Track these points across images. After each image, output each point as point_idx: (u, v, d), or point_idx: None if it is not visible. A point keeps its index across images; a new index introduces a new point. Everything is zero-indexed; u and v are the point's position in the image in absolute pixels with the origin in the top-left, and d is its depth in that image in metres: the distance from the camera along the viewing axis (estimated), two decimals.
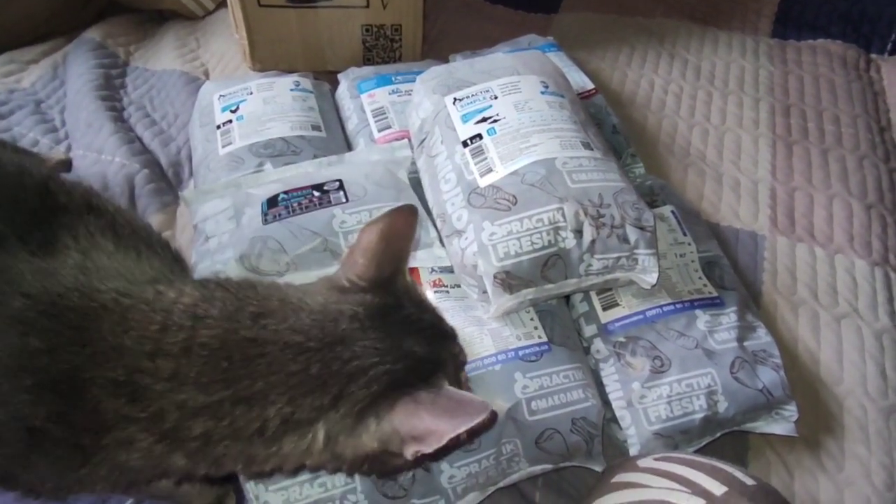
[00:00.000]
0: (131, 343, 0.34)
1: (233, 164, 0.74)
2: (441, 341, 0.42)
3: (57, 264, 0.37)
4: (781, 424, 0.60)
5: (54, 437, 0.34)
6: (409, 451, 0.37)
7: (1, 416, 0.34)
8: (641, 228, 0.58)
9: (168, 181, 0.82)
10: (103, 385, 0.34)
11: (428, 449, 0.37)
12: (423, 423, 0.36)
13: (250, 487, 0.51)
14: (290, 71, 0.90)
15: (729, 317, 0.62)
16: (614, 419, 0.60)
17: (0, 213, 0.38)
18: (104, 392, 0.34)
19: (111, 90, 0.94)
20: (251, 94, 0.82)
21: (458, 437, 0.35)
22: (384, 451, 0.38)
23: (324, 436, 0.37)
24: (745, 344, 0.61)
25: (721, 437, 0.60)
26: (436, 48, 1.02)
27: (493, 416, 0.42)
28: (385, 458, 0.39)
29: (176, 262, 0.47)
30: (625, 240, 0.58)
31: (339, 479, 0.51)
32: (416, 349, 0.39)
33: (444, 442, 0.36)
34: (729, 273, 0.67)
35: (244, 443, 0.36)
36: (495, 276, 0.56)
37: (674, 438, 0.57)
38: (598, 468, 0.57)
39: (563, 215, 0.57)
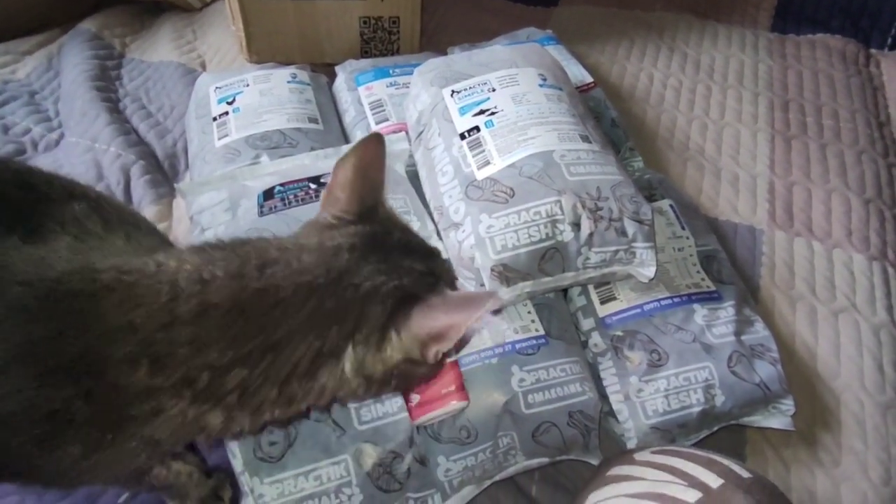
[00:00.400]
0: (142, 319, 0.34)
1: (229, 156, 0.73)
2: (433, 258, 0.44)
3: (48, 250, 0.36)
4: (778, 419, 0.60)
5: (80, 417, 0.34)
6: (431, 354, 0.40)
7: (15, 406, 0.33)
8: (639, 222, 0.58)
9: (164, 173, 0.82)
10: (119, 362, 0.34)
11: (448, 344, 0.40)
12: (439, 321, 0.39)
13: (245, 480, 0.51)
14: (287, 63, 0.90)
15: (727, 311, 0.62)
16: (611, 413, 0.60)
17: None
18: (121, 369, 0.34)
19: (107, 81, 0.94)
20: (248, 86, 0.81)
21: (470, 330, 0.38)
22: (408, 361, 0.40)
23: (353, 360, 0.39)
24: (743, 338, 0.60)
25: (718, 431, 0.60)
26: (434, 41, 1.02)
27: (501, 304, 0.45)
28: (409, 370, 0.41)
29: (164, 243, 0.47)
30: (623, 233, 0.58)
31: (334, 472, 0.51)
32: (415, 266, 0.41)
33: (462, 332, 0.39)
34: (727, 267, 0.67)
35: (281, 385, 0.38)
36: (492, 269, 0.56)
37: (671, 432, 0.57)
38: (595, 462, 0.57)
39: (561, 208, 0.57)
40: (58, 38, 1.02)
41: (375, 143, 0.44)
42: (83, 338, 0.34)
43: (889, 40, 1.07)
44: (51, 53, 1.00)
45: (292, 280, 0.38)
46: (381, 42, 0.95)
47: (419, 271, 0.41)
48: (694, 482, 0.41)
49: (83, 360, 0.34)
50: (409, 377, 0.42)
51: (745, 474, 0.42)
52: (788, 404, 0.59)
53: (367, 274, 0.39)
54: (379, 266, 0.40)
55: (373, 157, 0.44)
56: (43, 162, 0.82)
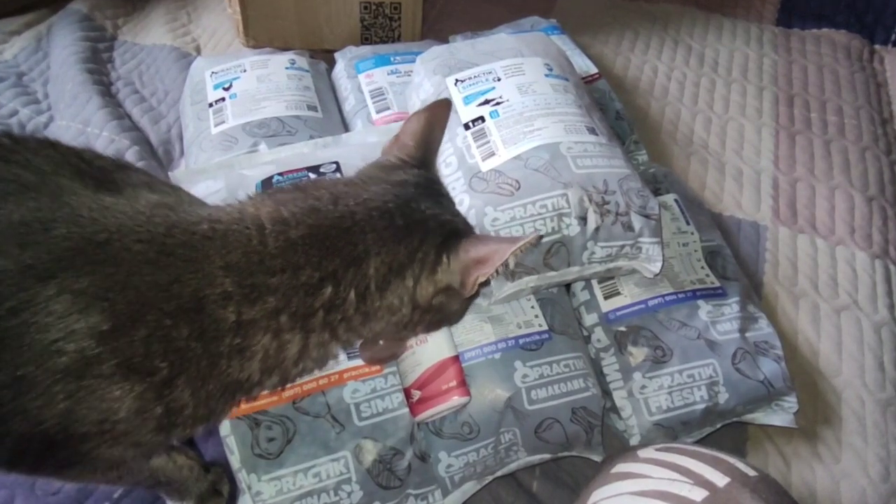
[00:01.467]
0: (238, 259, 0.39)
1: (226, 143, 0.71)
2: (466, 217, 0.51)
3: (142, 207, 0.40)
4: (781, 416, 0.59)
5: (195, 353, 0.38)
6: (471, 281, 0.46)
7: (155, 346, 0.37)
8: (647, 216, 0.57)
9: (158, 160, 0.80)
10: (218, 299, 0.38)
11: (490, 270, 0.45)
12: (487, 246, 0.45)
13: (243, 477, 0.50)
14: (286, 48, 0.87)
15: (731, 307, 0.61)
16: (614, 409, 0.59)
17: (72, 174, 0.41)
18: (218, 304, 0.38)
19: (98, 64, 0.91)
20: (245, 71, 0.79)
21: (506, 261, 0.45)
22: (449, 290, 0.46)
23: (412, 280, 0.44)
24: (747, 335, 0.60)
25: (720, 428, 0.60)
26: (435, 28, 1.00)
27: (540, 237, 0.52)
28: (447, 303, 0.47)
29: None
30: (629, 228, 0.57)
31: (334, 469, 0.50)
32: (460, 214, 0.49)
33: (505, 257, 0.44)
34: (731, 263, 0.66)
35: (359, 300, 0.43)
36: None
37: (674, 429, 0.57)
38: (598, 458, 0.57)
39: (568, 201, 0.56)
40: (47, 19, 0.99)
41: (446, 106, 0.52)
42: (193, 282, 0.38)
43: (893, 36, 1.07)
44: (40, 34, 0.97)
45: (365, 206, 0.44)
46: (381, 28, 0.93)
47: (463, 219, 0.49)
48: (700, 480, 0.41)
49: (193, 301, 0.38)
50: (444, 310, 0.48)
51: (752, 473, 0.42)
52: (791, 401, 0.59)
53: (427, 205, 0.46)
54: (436, 203, 0.47)
55: (442, 117, 0.51)
56: None
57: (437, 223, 0.45)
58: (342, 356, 0.55)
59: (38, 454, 0.38)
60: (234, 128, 0.73)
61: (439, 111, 0.51)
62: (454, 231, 0.46)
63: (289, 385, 0.47)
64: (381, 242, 0.43)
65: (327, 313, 0.42)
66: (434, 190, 0.48)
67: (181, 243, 0.39)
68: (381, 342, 0.53)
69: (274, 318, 0.40)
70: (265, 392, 0.45)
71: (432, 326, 0.50)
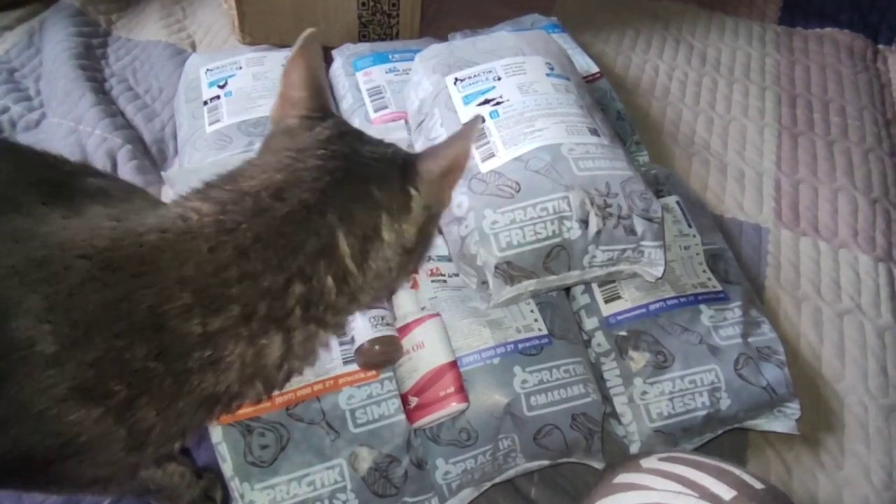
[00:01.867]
0: (192, 271, 0.37)
1: (220, 142, 0.70)
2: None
3: (90, 220, 0.38)
4: (783, 422, 0.59)
5: (156, 373, 0.36)
6: (447, 193, 0.44)
7: (108, 368, 0.35)
8: (649, 220, 0.56)
9: (152, 158, 0.78)
10: (179, 313, 0.36)
11: (461, 173, 0.44)
12: (445, 155, 0.43)
13: (235, 486, 0.49)
14: (282, 45, 0.86)
15: (733, 312, 0.61)
16: (614, 414, 0.58)
17: (24, 185, 0.39)
18: (181, 319, 0.36)
19: (91, 60, 0.89)
20: (240, 68, 0.78)
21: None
22: (429, 216, 0.44)
23: (391, 230, 0.42)
24: (750, 340, 0.59)
25: (721, 434, 0.59)
26: (434, 26, 0.99)
27: (481, 119, 0.48)
28: (431, 226, 0.45)
29: (159, 203, 0.47)
30: (632, 231, 0.56)
31: (329, 477, 0.49)
32: (392, 145, 0.45)
33: (469, 152, 0.43)
34: (734, 267, 0.65)
35: (339, 284, 0.40)
36: (496, 267, 0.54)
37: (675, 435, 0.56)
38: (598, 465, 0.56)
39: (569, 204, 0.55)
40: (39, 14, 0.98)
41: (312, 41, 0.45)
42: (147, 297, 0.35)
43: None
44: (32, 29, 0.95)
45: (311, 186, 0.40)
46: (379, 25, 0.92)
47: (397, 146, 0.45)
48: (705, 493, 0.40)
49: (150, 318, 0.35)
50: (429, 237, 0.46)
51: (758, 485, 0.41)
52: (794, 408, 0.58)
53: (364, 149, 0.42)
54: (367, 143, 0.43)
55: (317, 57, 0.45)
56: (23, 142, 0.78)
57: (385, 163, 0.42)
58: (337, 357, 0.54)
59: (9, 474, 0.37)
60: (230, 126, 0.71)
61: (312, 50, 0.45)
62: (405, 161, 0.43)
63: (277, 392, 0.44)
64: (344, 216, 0.40)
65: (305, 309, 0.39)
66: (355, 131, 0.45)
67: (129, 257, 0.36)
68: (377, 348, 0.52)
69: (244, 325, 0.37)
70: (246, 402, 0.42)
71: (421, 258, 0.47)
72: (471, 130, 0.42)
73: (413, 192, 0.42)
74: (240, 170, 0.42)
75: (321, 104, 0.45)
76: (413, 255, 0.44)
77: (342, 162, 0.41)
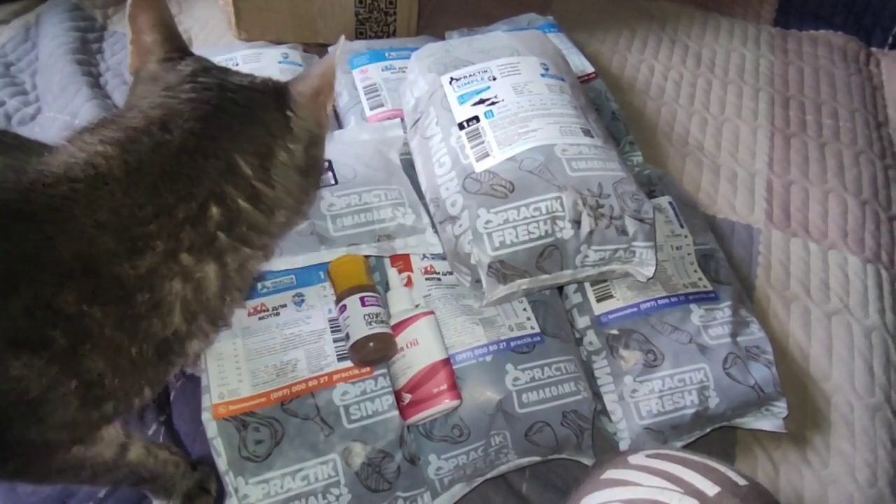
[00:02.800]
0: (108, 216, 0.37)
1: None
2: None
3: None
4: (770, 420, 0.60)
5: (94, 321, 0.35)
6: (322, 114, 0.46)
7: (41, 315, 0.34)
8: (640, 220, 0.57)
9: None
10: (108, 257, 0.36)
11: (331, 90, 0.46)
12: (314, 76, 0.44)
13: (229, 480, 0.49)
14: (278, 42, 0.86)
15: (723, 311, 0.61)
16: (604, 411, 0.59)
17: None
18: (112, 262, 0.36)
19: (87, 55, 0.89)
20: (237, 65, 0.78)
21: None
22: (312, 138, 0.45)
23: (284, 151, 0.43)
24: (739, 339, 0.60)
25: (710, 432, 0.60)
26: (431, 23, 0.99)
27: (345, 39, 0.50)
28: (318, 150, 0.47)
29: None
30: (623, 232, 0.56)
31: (322, 471, 0.50)
32: (258, 76, 0.46)
33: (335, 70, 0.45)
34: (724, 267, 0.66)
35: (253, 202, 0.42)
36: (490, 266, 0.55)
37: (664, 433, 0.57)
38: (588, 461, 0.57)
39: (562, 205, 0.55)
40: (35, 8, 0.97)
41: None
42: (68, 243, 0.35)
43: (890, 39, 1.07)
44: (28, 23, 0.95)
45: (192, 116, 0.40)
46: (376, 23, 0.92)
47: (263, 77, 0.46)
48: (690, 489, 0.41)
49: (78, 263, 0.35)
50: (319, 161, 0.48)
51: (742, 481, 0.42)
52: (781, 407, 0.59)
53: (236, 81, 0.43)
54: (234, 74, 0.44)
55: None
56: None
57: (257, 90, 0.43)
58: (332, 353, 0.55)
59: None
60: None
61: None
62: (276, 86, 0.44)
63: (224, 326, 0.44)
64: (234, 140, 0.41)
65: (228, 231, 0.40)
66: (219, 66, 0.45)
67: (40, 208, 0.36)
68: (371, 345, 0.52)
69: (173, 261, 0.38)
70: (198, 343, 0.42)
71: (317, 182, 0.50)
72: (336, 53, 0.44)
73: (290, 114, 0.44)
74: (118, 115, 0.41)
75: (176, 45, 0.45)
76: (309, 178, 0.47)
77: (215, 92, 0.42)
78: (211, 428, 0.51)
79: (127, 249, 0.36)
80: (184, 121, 0.40)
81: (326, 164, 0.50)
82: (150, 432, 0.57)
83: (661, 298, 0.61)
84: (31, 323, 0.34)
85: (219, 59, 0.77)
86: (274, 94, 0.44)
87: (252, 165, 0.41)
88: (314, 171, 0.47)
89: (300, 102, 0.44)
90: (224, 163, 0.40)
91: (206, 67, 0.44)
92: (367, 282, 0.57)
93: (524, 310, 0.60)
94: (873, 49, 1.07)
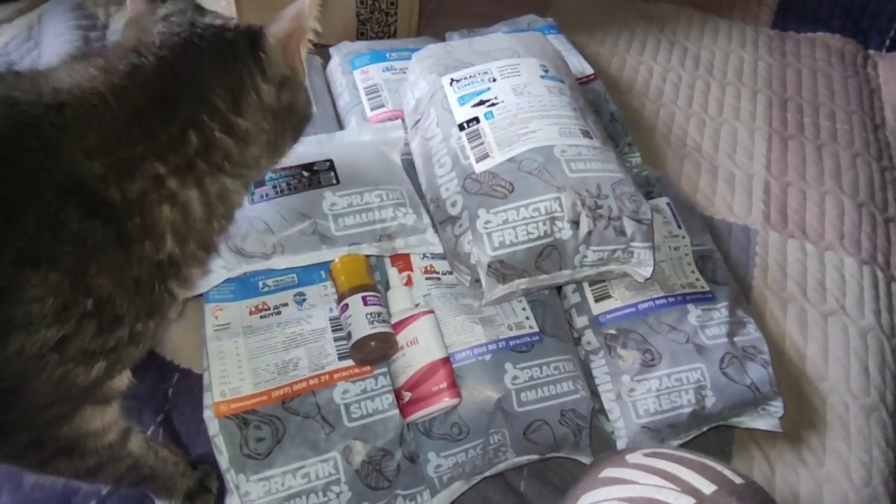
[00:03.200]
0: (97, 140, 0.38)
1: None
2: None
3: None
4: (766, 420, 0.60)
5: (98, 235, 0.37)
6: (296, 58, 0.46)
7: (48, 232, 0.35)
8: (638, 221, 0.57)
9: None
10: (98, 181, 0.37)
11: (304, 32, 0.45)
12: (286, 17, 0.44)
13: (231, 478, 0.50)
14: None
15: (720, 312, 0.62)
16: (602, 410, 0.60)
17: None
18: (102, 187, 0.37)
19: None
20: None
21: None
22: (285, 80, 0.46)
23: (254, 91, 0.44)
24: (735, 339, 0.61)
25: (706, 431, 0.60)
26: (432, 24, 0.99)
27: None
28: (293, 95, 0.47)
29: None
30: (621, 232, 0.57)
31: (323, 469, 0.51)
32: (232, 18, 0.47)
33: (307, 16, 0.44)
34: (721, 268, 0.67)
35: (226, 131, 0.42)
36: (489, 266, 0.55)
37: (661, 432, 0.57)
38: (586, 460, 0.57)
39: (561, 205, 0.56)
40: (38, 7, 0.98)
41: None
42: (60, 169, 0.36)
43: (887, 42, 1.07)
44: (31, 22, 0.95)
45: (164, 46, 0.41)
46: (377, 24, 0.92)
47: (237, 20, 0.46)
48: (687, 488, 0.41)
49: (71, 184, 0.36)
50: (297, 108, 0.48)
51: (738, 480, 0.42)
52: (777, 406, 0.60)
53: (210, 20, 0.44)
54: (212, 15, 0.45)
55: None
56: None
57: (230, 30, 0.44)
58: (332, 352, 0.55)
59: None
60: None
61: None
62: (248, 29, 0.45)
63: (216, 254, 0.46)
64: (207, 72, 0.42)
65: (206, 157, 0.42)
66: (199, 6, 0.46)
67: (33, 137, 0.36)
68: (372, 344, 0.52)
69: (161, 186, 0.40)
70: (194, 270, 0.44)
71: (297, 128, 0.50)
72: None
73: (263, 55, 0.44)
74: (97, 50, 0.43)
75: None
76: (283, 122, 0.47)
77: (185, 28, 0.42)
78: (213, 426, 0.52)
79: (116, 174, 0.38)
80: (156, 48, 0.41)
81: (307, 119, 0.51)
82: (149, 433, 0.58)
83: (658, 298, 0.62)
84: (41, 237, 0.35)
85: None
86: (247, 35, 0.44)
87: (224, 98, 0.42)
88: (289, 116, 0.48)
89: (273, 45, 0.44)
90: (197, 91, 0.42)
91: (182, 9, 0.45)
92: (369, 281, 0.58)
93: (523, 309, 0.60)
94: (871, 51, 1.07)
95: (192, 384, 0.59)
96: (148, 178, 0.39)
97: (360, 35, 0.93)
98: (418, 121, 0.67)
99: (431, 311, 0.57)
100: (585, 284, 0.63)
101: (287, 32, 0.45)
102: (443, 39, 0.90)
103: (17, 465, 0.43)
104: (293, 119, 0.48)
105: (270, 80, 0.45)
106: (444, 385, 0.53)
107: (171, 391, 0.61)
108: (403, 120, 0.72)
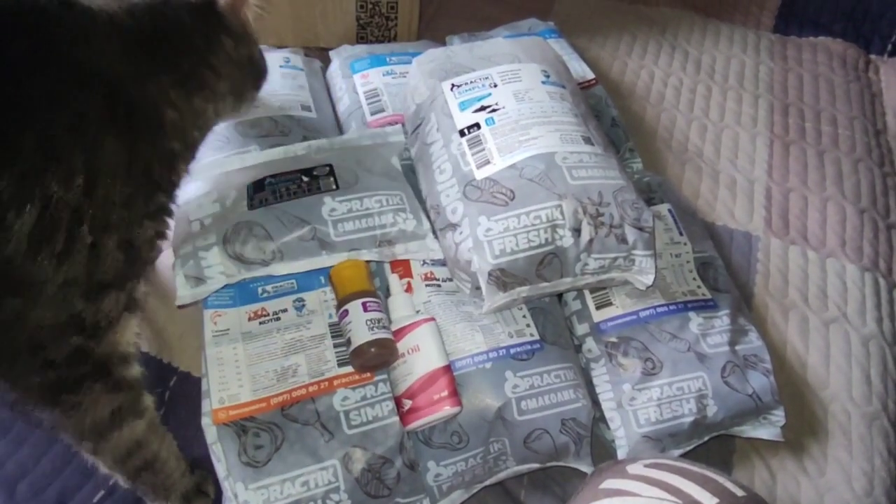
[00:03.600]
0: (118, 50, 0.46)
1: (217, 143, 0.70)
2: None
3: None
4: (768, 429, 0.60)
5: (119, 113, 0.43)
6: (245, 17, 0.56)
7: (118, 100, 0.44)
8: (640, 229, 0.57)
9: None
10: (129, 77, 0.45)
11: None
12: None
13: (229, 485, 0.49)
14: (280, 45, 0.86)
15: (722, 320, 0.62)
16: (602, 419, 0.60)
17: None
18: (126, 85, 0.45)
19: None
20: (255, 107, 0.77)
21: None
22: (244, 42, 0.56)
23: (219, 42, 0.54)
24: (737, 348, 0.60)
25: (708, 440, 0.60)
26: (432, 27, 0.99)
27: None
28: (247, 50, 0.57)
29: None
30: (623, 240, 0.57)
31: (322, 477, 0.50)
32: None
33: None
34: (723, 275, 0.66)
35: (206, 61, 0.53)
36: (490, 274, 0.55)
37: (662, 441, 0.57)
38: (586, 469, 0.57)
39: (562, 213, 0.56)
40: None
41: None
42: (81, 52, 0.43)
43: (889, 46, 1.07)
44: None
45: (158, 3, 0.50)
46: (377, 27, 0.92)
47: None
48: (688, 500, 0.41)
49: (86, 72, 0.43)
50: (255, 63, 0.59)
51: (739, 492, 0.42)
52: (779, 415, 0.60)
53: None
54: None
55: None
56: None
57: (197, 1, 0.52)
58: (332, 358, 0.55)
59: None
60: (227, 127, 0.71)
61: None
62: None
63: (193, 155, 0.55)
64: (188, 23, 0.51)
65: (192, 80, 0.51)
66: None
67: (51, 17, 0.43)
68: (373, 350, 0.52)
69: (167, 93, 0.48)
70: (182, 165, 0.52)
71: (256, 79, 0.61)
72: None
73: (221, 15, 0.53)
74: None
75: None
76: (244, 69, 0.57)
77: None
78: (211, 433, 0.52)
79: (133, 75, 0.45)
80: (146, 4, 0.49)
81: (264, 71, 0.62)
82: None
83: (659, 306, 0.61)
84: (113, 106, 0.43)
85: None
86: (206, 2, 0.53)
87: (202, 42, 0.52)
88: (248, 65, 0.58)
89: (225, 8, 0.54)
90: (183, 33, 0.51)
91: None
92: (369, 287, 0.57)
93: (524, 317, 0.60)
94: (872, 56, 1.07)
95: (191, 388, 0.59)
96: (164, 84, 0.48)
97: (361, 39, 0.93)
98: (418, 126, 0.67)
99: (433, 319, 0.57)
100: (586, 292, 0.63)
101: (231, 2, 0.54)
102: (443, 43, 0.89)
103: (43, 395, 0.44)
104: (252, 68, 0.59)
105: (229, 35, 0.54)
106: (445, 393, 0.53)
107: (167, 394, 0.61)
108: (403, 125, 0.72)
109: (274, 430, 0.51)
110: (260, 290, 0.59)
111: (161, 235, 0.51)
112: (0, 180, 0.37)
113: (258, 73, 0.61)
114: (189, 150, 0.54)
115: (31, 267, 0.39)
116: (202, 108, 0.53)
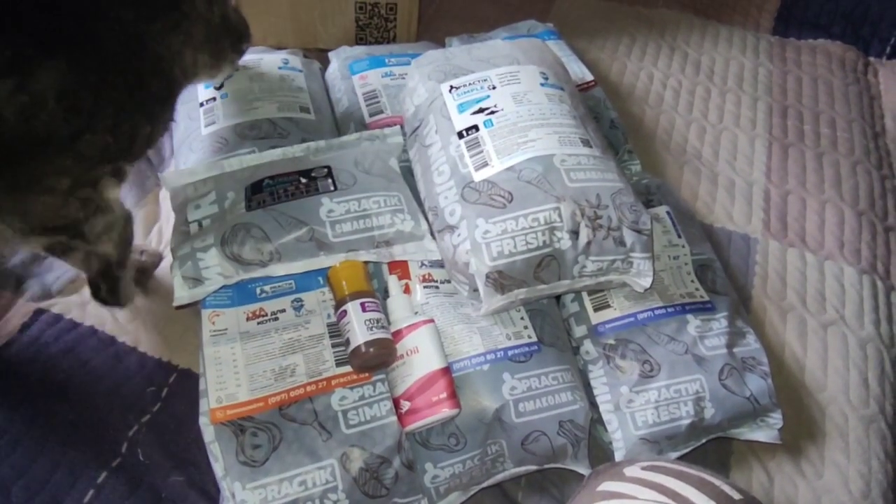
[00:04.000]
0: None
1: (216, 144, 0.70)
2: None
3: None
4: (766, 432, 0.60)
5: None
6: None
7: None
8: (638, 231, 0.57)
9: (148, 159, 0.79)
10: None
11: None
12: None
13: (226, 485, 0.49)
14: (279, 46, 0.86)
15: (719, 322, 0.62)
16: (600, 421, 0.60)
17: None
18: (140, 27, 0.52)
19: None
20: (236, 70, 0.78)
21: None
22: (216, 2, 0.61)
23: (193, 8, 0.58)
24: (735, 350, 0.60)
25: (705, 443, 0.60)
26: (431, 29, 0.99)
27: None
28: (224, 10, 0.62)
29: None
30: (621, 243, 0.57)
31: (320, 477, 0.50)
32: None
33: None
34: (721, 277, 0.67)
35: (198, 14, 0.59)
36: (488, 276, 0.55)
37: (659, 444, 0.57)
38: (584, 471, 0.57)
39: (560, 215, 0.56)
40: None
41: None
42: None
43: (888, 49, 1.07)
44: None
45: None
46: (376, 29, 0.92)
47: None
48: None
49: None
50: (229, 21, 0.64)
51: (737, 496, 0.42)
52: (777, 418, 0.60)
53: None
54: None
55: None
56: None
57: None
58: (330, 358, 0.55)
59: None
60: (225, 129, 0.72)
61: None
62: None
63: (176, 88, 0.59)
64: None
65: (187, 32, 0.57)
66: None
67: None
68: (371, 350, 0.52)
69: (177, 28, 0.55)
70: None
71: (235, 42, 0.65)
72: None
73: None
74: None
75: None
76: (220, 30, 0.62)
77: None
78: (208, 432, 0.52)
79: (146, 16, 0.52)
80: None
81: (244, 34, 0.67)
82: (131, 433, 0.58)
83: (657, 308, 0.61)
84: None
85: None
86: None
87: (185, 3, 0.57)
88: (223, 24, 0.62)
89: None
90: None
91: None
92: (368, 287, 0.57)
93: (521, 319, 0.60)
94: (871, 59, 1.07)
95: (191, 385, 0.59)
96: (173, 22, 0.55)
97: (359, 40, 0.93)
98: (417, 128, 0.67)
99: (432, 320, 0.57)
100: (584, 294, 0.63)
101: None
102: (442, 44, 0.90)
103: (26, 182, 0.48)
104: (227, 27, 0.63)
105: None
106: (443, 395, 0.53)
107: (165, 391, 0.61)
108: (402, 126, 0.72)
109: (272, 429, 0.51)
110: (258, 290, 0.59)
111: (151, 140, 0.58)
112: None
113: (235, 33, 0.65)
114: (185, 77, 0.59)
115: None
116: (181, 49, 0.58)
